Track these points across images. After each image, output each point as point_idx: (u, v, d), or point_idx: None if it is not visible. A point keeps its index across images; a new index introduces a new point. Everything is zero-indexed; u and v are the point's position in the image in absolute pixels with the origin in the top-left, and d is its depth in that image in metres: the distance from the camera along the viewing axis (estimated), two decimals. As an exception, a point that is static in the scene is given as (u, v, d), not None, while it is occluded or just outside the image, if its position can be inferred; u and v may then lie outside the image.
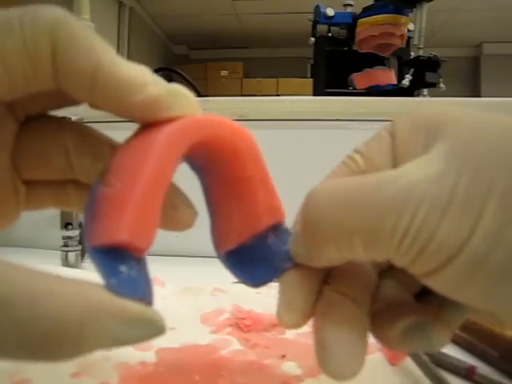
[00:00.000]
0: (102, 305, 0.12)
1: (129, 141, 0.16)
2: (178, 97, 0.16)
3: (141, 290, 0.14)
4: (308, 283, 0.17)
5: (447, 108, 0.17)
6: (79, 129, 0.19)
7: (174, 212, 0.18)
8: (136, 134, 0.16)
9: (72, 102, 0.17)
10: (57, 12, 0.15)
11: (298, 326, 0.17)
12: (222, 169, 0.18)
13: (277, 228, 0.19)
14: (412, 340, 0.16)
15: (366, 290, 0.18)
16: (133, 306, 0.13)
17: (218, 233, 0.19)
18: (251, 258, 0.18)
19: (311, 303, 0.17)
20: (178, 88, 0.16)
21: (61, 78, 0.15)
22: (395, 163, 0.17)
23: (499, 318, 0.15)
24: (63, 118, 0.19)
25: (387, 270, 0.19)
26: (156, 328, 0.13)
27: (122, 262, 0.14)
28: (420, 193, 0.14)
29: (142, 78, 0.15)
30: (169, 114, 0.15)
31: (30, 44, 0.14)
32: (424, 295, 0.18)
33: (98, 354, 0.27)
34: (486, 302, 0.14)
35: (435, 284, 0.15)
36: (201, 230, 0.20)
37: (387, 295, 0.18)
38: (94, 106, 0.16)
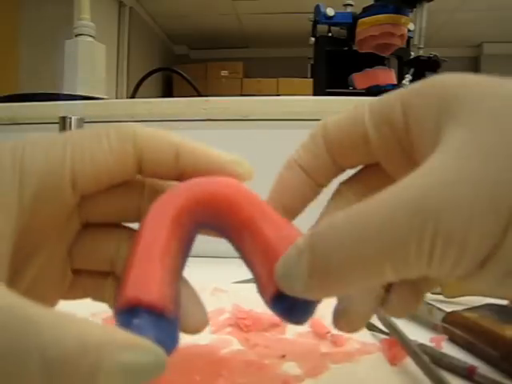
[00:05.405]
0: (116, 332, 0.14)
1: None
2: (239, 164, 0.20)
3: (150, 336, 0.15)
4: None
5: (461, 79, 0.16)
6: (129, 228, 0.21)
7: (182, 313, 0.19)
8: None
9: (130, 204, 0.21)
10: (134, 125, 0.19)
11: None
12: (229, 221, 0.19)
13: None
14: None
15: None
16: (135, 337, 0.14)
17: (258, 285, 0.18)
18: (293, 301, 0.17)
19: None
20: (239, 158, 0.20)
21: (146, 169, 0.19)
22: (410, 145, 0.17)
23: None
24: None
25: None
26: (155, 355, 0.14)
27: (136, 316, 0.15)
28: (436, 202, 0.13)
29: (214, 151, 0.19)
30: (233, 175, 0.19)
31: (115, 150, 0.18)
32: None
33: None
34: None
35: (473, 286, 0.14)
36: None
37: None
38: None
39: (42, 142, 0.18)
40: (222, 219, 0.19)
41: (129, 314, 0.15)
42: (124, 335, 0.14)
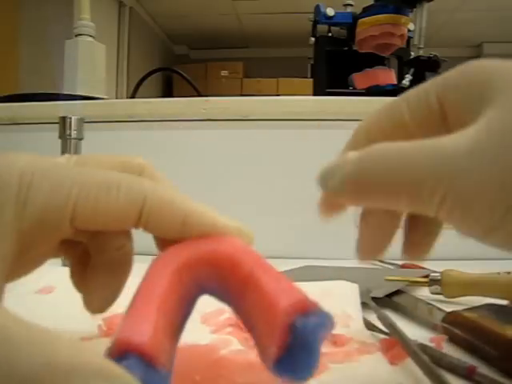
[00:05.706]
0: (94, 356, 0.13)
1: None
2: (244, 233, 0.20)
3: (136, 375, 0.14)
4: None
5: (502, 64, 0.17)
6: None
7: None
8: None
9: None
10: (146, 188, 0.19)
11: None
12: (230, 280, 0.19)
13: (304, 314, 0.17)
14: None
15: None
16: (113, 366, 0.13)
17: (259, 349, 0.18)
18: (296, 356, 0.17)
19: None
20: (241, 226, 0.20)
21: (151, 229, 0.19)
22: (445, 127, 0.19)
23: None
24: None
25: None
26: None
27: (125, 359, 0.15)
28: (454, 165, 0.15)
29: (220, 220, 0.20)
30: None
31: (121, 208, 0.18)
32: None
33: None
34: None
35: (487, 243, 0.16)
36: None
37: None
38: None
39: (51, 176, 0.18)
40: (223, 278, 0.19)
41: (119, 358, 0.15)
42: (101, 361, 0.13)
